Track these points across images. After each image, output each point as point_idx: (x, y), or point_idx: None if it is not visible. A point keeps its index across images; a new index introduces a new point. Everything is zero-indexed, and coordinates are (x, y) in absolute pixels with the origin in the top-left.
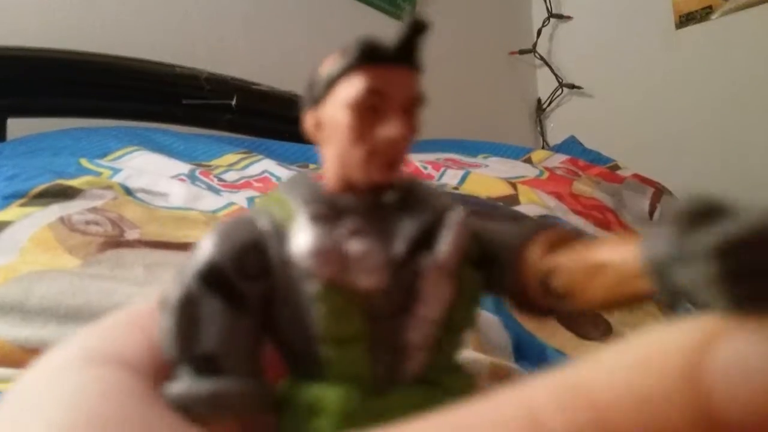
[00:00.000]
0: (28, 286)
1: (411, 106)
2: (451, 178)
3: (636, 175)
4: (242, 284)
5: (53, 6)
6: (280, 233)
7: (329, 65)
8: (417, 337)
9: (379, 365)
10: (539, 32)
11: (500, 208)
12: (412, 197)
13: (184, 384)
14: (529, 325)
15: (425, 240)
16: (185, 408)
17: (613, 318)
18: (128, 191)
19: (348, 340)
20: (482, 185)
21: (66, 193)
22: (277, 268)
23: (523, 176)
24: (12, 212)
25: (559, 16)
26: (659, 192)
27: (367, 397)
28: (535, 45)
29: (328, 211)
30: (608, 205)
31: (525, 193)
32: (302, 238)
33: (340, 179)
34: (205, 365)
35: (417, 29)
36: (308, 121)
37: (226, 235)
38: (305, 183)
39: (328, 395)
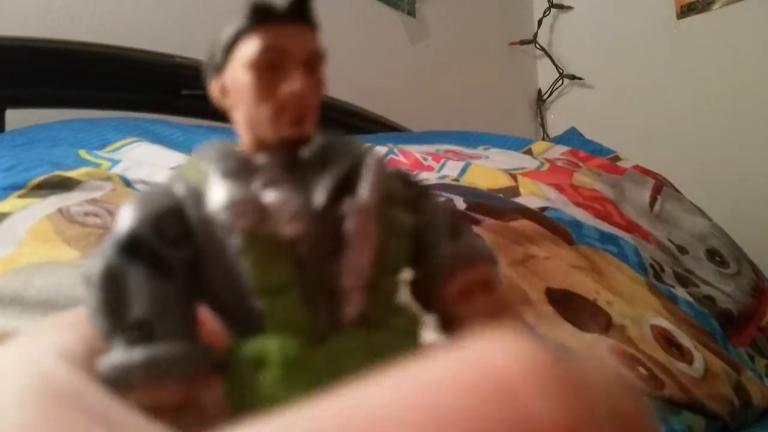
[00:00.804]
0: (27, 277)
1: (313, 62)
2: (451, 170)
3: (637, 167)
4: (165, 250)
5: None
6: (197, 195)
7: (225, 31)
8: (350, 280)
9: (317, 312)
10: (540, 22)
11: (445, 217)
12: (329, 152)
13: (116, 355)
14: (530, 317)
15: (347, 187)
16: (120, 380)
17: (614, 311)
18: (127, 182)
19: (278, 289)
20: (482, 177)
21: (65, 185)
22: (199, 230)
23: (523, 168)
24: (10, 203)
25: (560, 6)
26: (660, 183)
27: (310, 344)
28: (535, 35)
29: (242, 168)
30: (609, 197)
31: (525, 184)
32: (217, 194)
33: (252, 140)
34: (137, 334)
35: None
36: (213, 88)
37: (143, 204)
38: (218, 147)
39: (268, 346)
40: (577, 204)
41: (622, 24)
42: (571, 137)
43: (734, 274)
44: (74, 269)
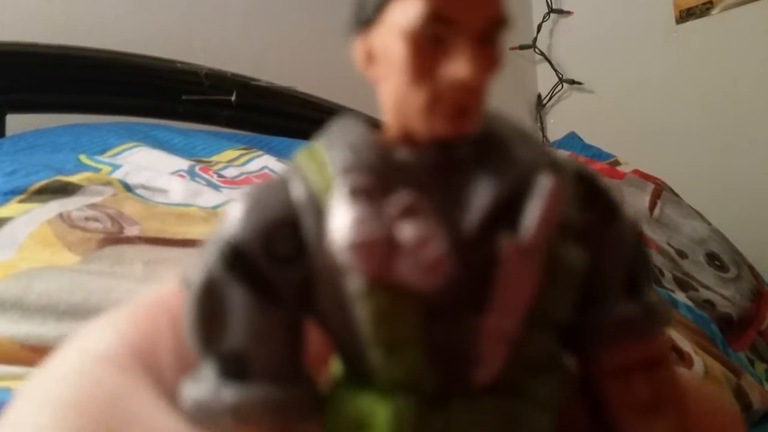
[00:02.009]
0: (28, 282)
1: (489, 32)
2: None
3: (636, 171)
4: (273, 270)
5: (53, 1)
6: (317, 207)
7: None
8: (489, 342)
9: (440, 373)
10: (539, 27)
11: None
12: (491, 144)
13: (205, 387)
14: None
15: (506, 209)
16: (204, 419)
17: None
18: (128, 187)
19: (398, 344)
20: None
21: (65, 190)
22: (315, 248)
23: None
24: (11, 208)
25: (560, 12)
26: (659, 188)
27: (426, 409)
28: (535, 40)
29: (375, 181)
30: None
31: None
32: (340, 222)
33: (397, 127)
34: (231, 365)
35: None
36: (357, 50)
37: (255, 208)
38: (351, 134)
39: (377, 411)
40: None
41: (621, 29)
42: (571, 142)
43: (734, 278)
44: (75, 274)
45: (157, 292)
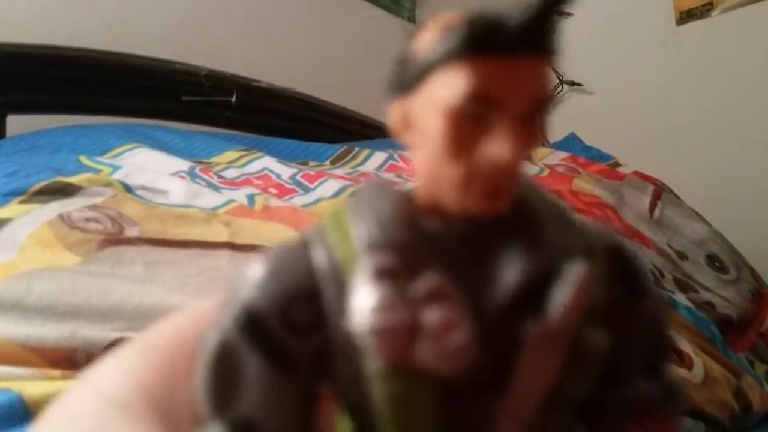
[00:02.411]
0: (28, 283)
1: (532, 111)
2: None
3: (636, 173)
4: (289, 340)
5: (53, 3)
6: (339, 279)
7: (427, 43)
8: (506, 424)
9: None
10: None
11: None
12: (524, 219)
13: None
14: None
15: (534, 290)
16: None
17: None
18: (128, 188)
19: (414, 425)
20: None
21: (65, 191)
22: (334, 322)
23: None
24: (11, 209)
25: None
26: (659, 189)
27: None
28: None
29: (401, 261)
30: (608, 203)
31: None
32: (363, 303)
33: (429, 196)
34: (241, 430)
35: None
36: (394, 112)
37: (276, 271)
38: (379, 205)
39: None
40: (577, 210)
41: (621, 30)
42: (571, 143)
43: (734, 279)
44: (75, 275)
45: (177, 325)
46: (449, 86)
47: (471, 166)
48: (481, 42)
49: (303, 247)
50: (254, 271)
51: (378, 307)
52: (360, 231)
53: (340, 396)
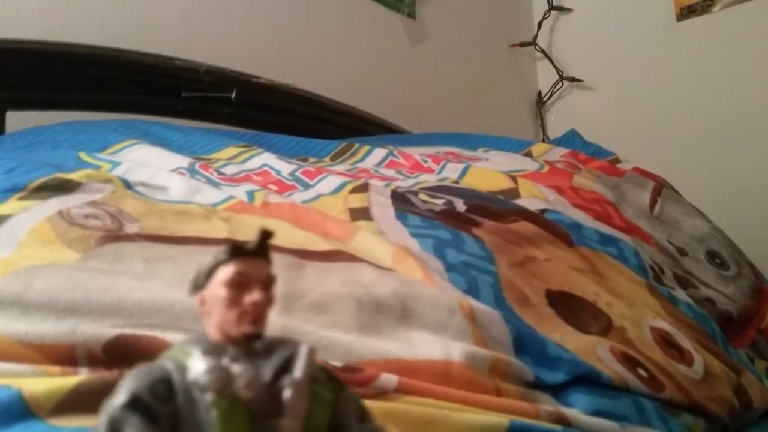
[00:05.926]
0: (27, 280)
1: (267, 284)
2: (451, 172)
3: (636, 169)
4: (157, 406)
5: None
6: (182, 368)
7: (208, 262)
8: None
9: None
10: (540, 24)
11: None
12: (274, 345)
13: None
14: (530, 319)
15: (286, 368)
16: None
17: (614, 312)
18: (127, 185)
19: None
20: (482, 179)
21: (65, 187)
22: (180, 393)
23: (523, 170)
24: (11, 206)
25: (560, 9)
26: (660, 185)
27: None
28: (535, 37)
29: (216, 350)
30: (608, 199)
31: (525, 186)
32: (198, 365)
33: (221, 335)
34: None
35: (266, 236)
36: (196, 300)
37: (142, 374)
38: (199, 337)
39: None
40: (577, 206)
41: (622, 26)
42: (571, 139)
43: (734, 276)
44: (75, 271)
45: None
46: (225, 271)
47: (242, 309)
48: (236, 253)
49: (158, 363)
50: (125, 379)
51: (207, 361)
52: (191, 341)
53: None
